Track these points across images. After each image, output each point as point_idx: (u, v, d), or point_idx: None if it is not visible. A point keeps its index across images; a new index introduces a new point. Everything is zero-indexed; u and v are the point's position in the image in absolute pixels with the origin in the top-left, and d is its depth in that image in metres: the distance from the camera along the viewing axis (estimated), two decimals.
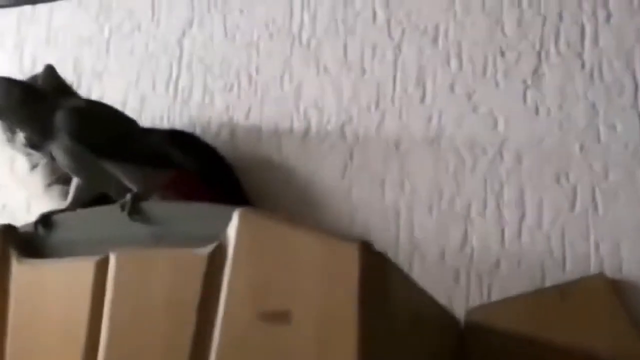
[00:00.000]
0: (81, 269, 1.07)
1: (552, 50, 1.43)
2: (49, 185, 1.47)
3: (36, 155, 1.49)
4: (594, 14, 1.42)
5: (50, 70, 1.51)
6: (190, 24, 1.65)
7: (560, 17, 1.44)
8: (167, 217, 1.09)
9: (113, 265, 1.05)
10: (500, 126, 1.42)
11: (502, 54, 1.45)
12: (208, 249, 1.02)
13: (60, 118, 1.15)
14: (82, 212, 1.17)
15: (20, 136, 1.47)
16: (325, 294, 0.95)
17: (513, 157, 1.40)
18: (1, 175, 1.59)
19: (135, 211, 1.09)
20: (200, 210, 1.09)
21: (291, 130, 1.51)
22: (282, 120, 1.52)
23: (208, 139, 1.50)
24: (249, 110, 1.55)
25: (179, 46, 1.64)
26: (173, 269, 1.02)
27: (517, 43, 1.45)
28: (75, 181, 1.21)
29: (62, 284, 1.08)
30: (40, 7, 1.74)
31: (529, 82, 1.42)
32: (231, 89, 1.58)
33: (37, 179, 1.49)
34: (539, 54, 1.43)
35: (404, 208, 1.41)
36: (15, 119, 1.18)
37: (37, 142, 1.20)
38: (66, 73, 1.60)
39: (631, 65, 1.39)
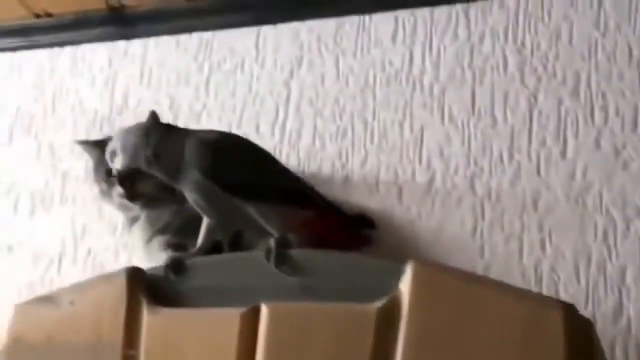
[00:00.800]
0: (225, 321, 0.93)
1: None
2: (150, 239, 1.31)
3: (134, 208, 1.34)
4: None
5: (154, 117, 1.38)
6: (300, 63, 1.51)
7: None
8: (316, 267, 0.96)
9: (265, 319, 0.92)
10: None
11: None
12: (376, 305, 0.89)
13: (190, 152, 1.00)
14: (216, 258, 1.02)
15: (118, 189, 1.32)
16: None
17: None
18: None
19: (282, 260, 0.96)
20: (354, 262, 0.97)
21: (413, 180, 1.35)
22: (403, 170, 1.37)
23: (319, 186, 1.34)
24: (365, 157, 1.40)
25: (286, 87, 1.50)
26: (338, 327, 0.89)
27: None
28: (205, 222, 1.06)
29: (202, 336, 0.94)
30: (135, 42, 1.61)
31: None
32: (345, 135, 1.43)
33: (137, 234, 1.34)
34: None
35: (547, 271, 1.25)
36: (151, 162, 1.04)
37: (166, 182, 1.06)
38: (162, 113, 1.45)
39: None
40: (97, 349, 0.95)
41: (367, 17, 1.52)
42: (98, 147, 1.39)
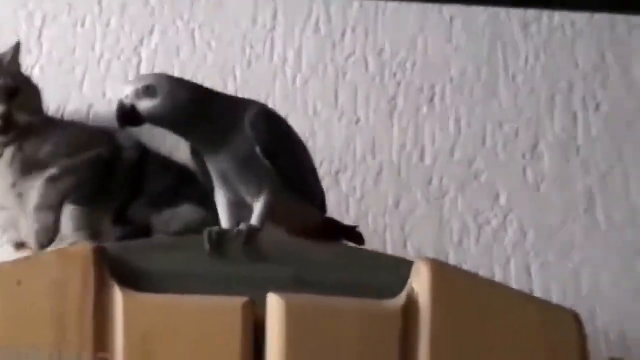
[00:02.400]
0: (224, 311, 0.85)
1: (548, 130, 1.41)
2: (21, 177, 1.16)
3: None
4: (584, 102, 1.43)
5: (18, 48, 1.21)
6: (151, 31, 1.41)
7: (553, 100, 1.43)
8: (311, 259, 0.91)
9: (278, 311, 0.85)
10: (503, 198, 1.36)
11: (500, 125, 1.41)
12: (398, 302, 0.87)
13: (254, 124, 0.90)
14: (192, 241, 0.92)
15: None
16: None
17: (516, 231, 1.34)
18: None
19: (242, 248, 0.90)
20: (353, 255, 0.94)
21: None
22: None
23: None
24: None
25: (136, 54, 1.40)
26: (363, 323, 0.85)
27: (515, 117, 1.42)
28: (223, 197, 0.94)
29: (194, 328, 0.85)
30: None
31: (528, 157, 1.39)
32: None
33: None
34: (535, 132, 1.41)
35: None
36: (184, 127, 0.92)
37: (200, 148, 0.94)
38: None
39: (622, 157, 1.41)
40: (59, 344, 0.82)
41: None
42: None
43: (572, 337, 0.86)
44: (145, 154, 1.25)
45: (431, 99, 1.42)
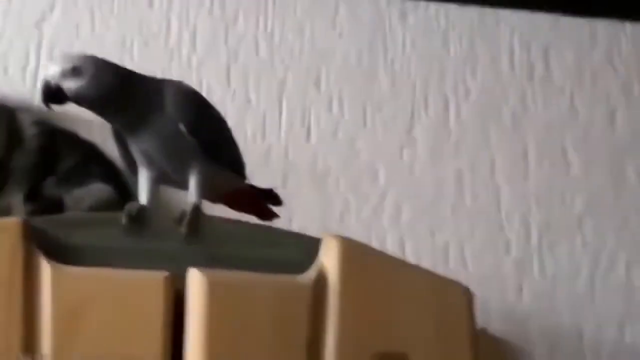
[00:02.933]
0: (146, 284, 0.91)
1: (423, 114, 1.53)
2: None
3: None
4: (456, 89, 1.56)
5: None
6: (52, 8, 1.44)
7: (427, 85, 1.55)
8: (223, 236, 0.98)
9: (198, 285, 0.91)
10: (382, 177, 1.47)
11: (380, 108, 1.52)
12: (310, 277, 0.95)
13: (175, 103, 0.96)
14: (114, 217, 0.97)
15: None
16: (441, 339, 0.94)
17: (393, 208, 1.46)
18: None
19: (194, 229, 0.95)
20: (263, 233, 1.02)
21: None
22: None
23: None
24: None
25: (37, 30, 1.43)
26: (275, 297, 0.93)
27: (393, 101, 1.53)
28: (146, 175, 0.99)
29: (118, 299, 0.90)
30: None
31: (404, 139, 1.51)
32: None
33: None
34: (411, 116, 1.53)
35: None
36: (108, 109, 0.95)
37: (122, 129, 0.98)
38: None
39: (488, 142, 1.54)
40: None
41: None
42: None
43: (462, 307, 0.97)
44: (52, 131, 1.29)
45: (316, 83, 1.52)
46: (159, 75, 1.37)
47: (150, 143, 0.98)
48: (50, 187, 1.24)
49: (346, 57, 1.55)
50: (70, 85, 0.93)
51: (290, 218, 1.41)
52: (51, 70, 0.94)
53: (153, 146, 0.98)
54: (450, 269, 1.45)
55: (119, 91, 0.95)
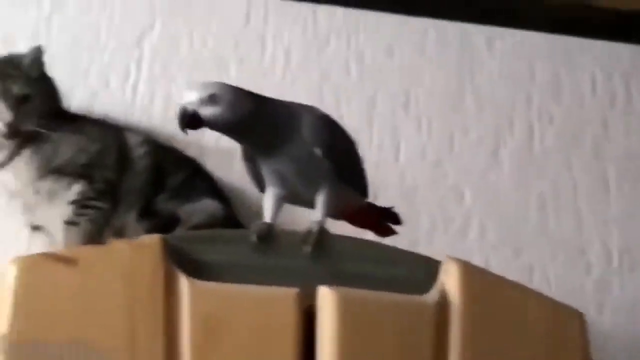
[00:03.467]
0: (279, 300, 0.94)
1: (508, 139, 1.55)
2: (41, 177, 1.25)
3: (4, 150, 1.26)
4: (540, 114, 1.57)
5: (38, 52, 1.27)
6: (152, 25, 1.48)
7: (513, 111, 1.57)
8: (348, 254, 1.01)
9: (329, 302, 0.94)
10: (468, 197, 1.49)
11: (466, 132, 1.54)
12: (433, 298, 0.98)
13: (311, 127, 1.00)
14: (243, 234, 1.01)
15: None
16: None
17: (479, 228, 1.48)
18: None
19: (318, 247, 0.99)
20: (385, 252, 1.03)
21: None
22: None
23: None
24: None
25: (138, 47, 1.47)
26: (401, 316, 0.96)
27: (479, 124, 1.55)
28: (274, 194, 1.03)
29: (252, 314, 0.93)
30: None
31: (490, 162, 1.52)
32: None
33: (20, 174, 1.26)
34: (497, 140, 1.54)
35: None
36: (242, 133, 1.00)
37: (255, 151, 1.03)
38: None
39: (570, 167, 1.55)
40: (132, 329, 0.90)
41: None
42: None
43: (576, 332, 1.00)
44: (159, 149, 1.33)
45: (406, 104, 1.54)
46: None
47: (283, 164, 1.02)
48: (162, 203, 1.27)
49: (434, 79, 1.58)
50: (207, 112, 0.97)
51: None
52: (188, 98, 0.98)
53: (286, 167, 1.02)
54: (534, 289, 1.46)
55: (254, 116, 0.98)
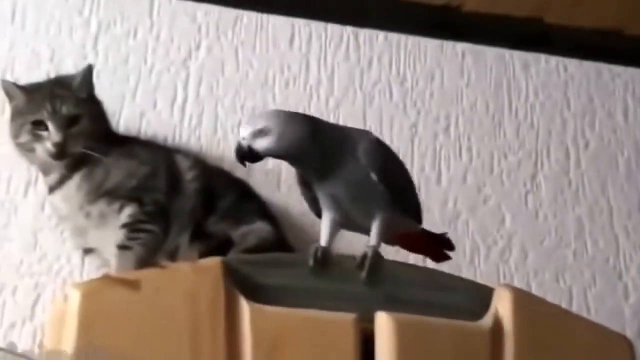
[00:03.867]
0: (337, 325, 0.95)
1: (546, 163, 1.55)
2: (93, 201, 1.23)
3: (56, 168, 1.24)
4: (575, 139, 1.58)
5: (88, 72, 1.25)
6: (198, 46, 1.48)
7: (550, 135, 1.58)
8: (401, 279, 1.02)
9: (387, 328, 0.96)
10: (508, 221, 1.49)
11: (505, 155, 1.54)
12: (487, 324, 0.99)
13: (366, 152, 1.00)
14: (299, 258, 1.02)
15: (46, 145, 1.21)
16: None
17: (519, 252, 1.48)
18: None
19: (373, 272, 0.99)
20: (439, 278, 1.05)
21: None
22: None
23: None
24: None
25: (184, 68, 1.46)
26: (457, 342, 0.97)
27: (517, 149, 1.55)
28: (330, 218, 1.02)
29: (311, 339, 0.94)
30: None
31: (529, 186, 1.53)
32: None
33: (73, 196, 1.24)
34: (535, 164, 1.55)
35: None
36: (298, 158, 1.02)
37: (310, 175, 1.03)
38: (40, 63, 1.37)
39: (606, 192, 1.56)
40: (195, 351, 0.90)
41: (264, 17, 1.53)
42: (25, 92, 1.23)
43: (623, 357, 1.02)
44: (207, 170, 1.31)
45: (447, 128, 1.54)
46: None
47: (338, 188, 1.02)
48: (213, 225, 1.26)
49: (473, 104, 1.58)
50: (260, 144, 0.99)
51: (424, 257, 1.43)
52: (242, 133, 1.00)
53: (342, 191, 1.02)
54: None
55: (308, 142, 0.99)
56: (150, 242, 1.22)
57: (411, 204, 1.09)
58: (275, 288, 0.96)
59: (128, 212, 1.23)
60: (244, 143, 0.99)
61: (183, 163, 1.30)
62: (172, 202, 1.25)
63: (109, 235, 1.23)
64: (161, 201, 1.25)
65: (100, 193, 1.23)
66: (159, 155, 1.30)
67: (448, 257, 1.16)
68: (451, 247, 1.15)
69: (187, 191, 1.27)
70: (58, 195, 1.24)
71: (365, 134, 1.05)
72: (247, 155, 0.99)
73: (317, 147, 0.99)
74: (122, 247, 1.21)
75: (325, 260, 1.00)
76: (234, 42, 1.51)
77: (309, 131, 0.99)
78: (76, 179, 1.23)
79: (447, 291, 1.02)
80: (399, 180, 1.06)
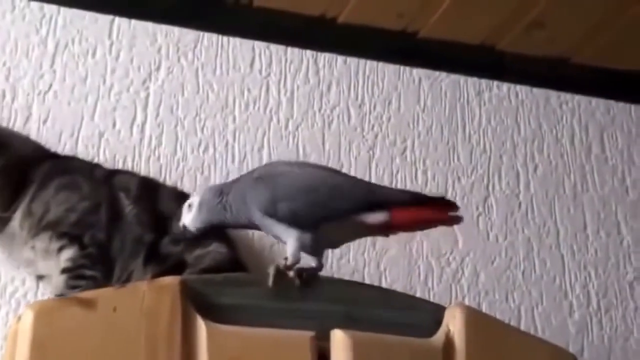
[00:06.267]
0: (294, 343, 0.90)
1: (497, 186, 1.50)
2: (34, 235, 1.14)
3: None
4: (525, 163, 1.53)
5: None
6: (158, 67, 1.39)
7: (501, 159, 1.52)
8: (359, 298, 0.98)
9: (343, 345, 0.91)
10: (461, 243, 1.43)
11: (459, 179, 1.48)
12: (439, 341, 0.96)
13: (251, 197, 0.97)
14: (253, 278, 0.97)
15: None
16: None
17: (471, 272, 1.42)
18: None
19: (277, 281, 0.93)
20: (393, 297, 1.01)
21: None
22: None
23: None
24: (227, 175, 1.35)
25: (144, 88, 1.38)
26: (412, 358, 0.94)
27: (470, 172, 1.50)
28: (296, 236, 0.94)
29: (269, 357, 0.89)
30: None
31: (481, 208, 1.47)
32: (206, 150, 1.36)
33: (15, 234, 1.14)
34: (487, 186, 1.49)
35: None
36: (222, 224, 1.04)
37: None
38: None
39: (553, 214, 1.51)
40: None
41: (224, 39, 1.45)
42: None
43: None
44: (153, 192, 1.22)
45: (403, 151, 1.48)
46: (259, 136, 1.36)
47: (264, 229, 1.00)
48: (166, 247, 1.16)
49: (429, 128, 1.52)
50: (186, 221, 1.00)
51: (380, 276, 1.37)
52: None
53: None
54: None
55: (220, 209, 0.98)
56: (91, 289, 1.11)
57: (343, 202, 0.97)
58: (232, 307, 0.91)
59: (67, 255, 1.11)
60: (181, 224, 1.01)
61: (122, 189, 1.20)
62: (114, 236, 1.15)
63: (56, 265, 1.13)
64: (102, 240, 1.14)
65: (41, 227, 1.12)
66: (99, 185, 1.19)
67: (460, 218, 1.04)
68: (454, 207, 1.04)
69: (128, 218, 1.17)
70: (3, 236, 1.15)
71: (248, 175, 1.01)
72: (186, 233, 1.01)
73: (227, 212, 0.98)
74: (61, 297, 1.10)
75: (283, 280, 0.94)
76: (194, 64, 1.43)
77: (219, 199, 0.98)
78: (18, 217, 1.13)
79: (402, 310, 0.98)
80: (297, 200, 0.96)
